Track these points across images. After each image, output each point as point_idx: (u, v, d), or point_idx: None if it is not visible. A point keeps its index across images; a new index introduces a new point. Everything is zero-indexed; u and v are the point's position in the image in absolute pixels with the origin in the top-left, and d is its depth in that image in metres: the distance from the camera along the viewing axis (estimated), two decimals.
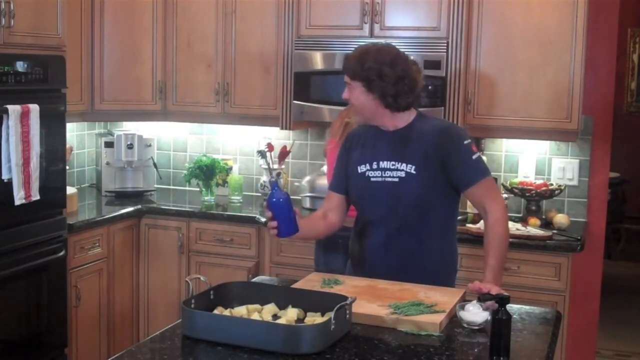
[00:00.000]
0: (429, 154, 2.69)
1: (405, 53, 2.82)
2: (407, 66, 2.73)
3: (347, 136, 2.97)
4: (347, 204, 2.90)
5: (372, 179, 2.75)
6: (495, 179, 4.21)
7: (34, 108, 3.53)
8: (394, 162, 2.72)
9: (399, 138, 2.75)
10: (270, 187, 2.63)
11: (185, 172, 4.68)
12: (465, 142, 2.71)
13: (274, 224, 2.60)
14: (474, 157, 2.70)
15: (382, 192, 2.74)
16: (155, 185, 4.88)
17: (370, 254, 2.80)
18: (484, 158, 4.26)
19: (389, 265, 2.75)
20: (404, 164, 2.70)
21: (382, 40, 4.04)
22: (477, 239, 3.49)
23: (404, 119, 2.76)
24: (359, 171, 2.78)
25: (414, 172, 2.69)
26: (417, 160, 2.69)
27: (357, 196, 2.84)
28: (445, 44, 3.99)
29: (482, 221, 3.85)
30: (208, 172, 4.58)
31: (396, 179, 2.71)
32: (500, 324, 2.15)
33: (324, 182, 4.00)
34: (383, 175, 2.73)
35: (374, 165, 2.75)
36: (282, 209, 2.58)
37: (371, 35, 4.14)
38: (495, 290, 2.38)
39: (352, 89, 2.73)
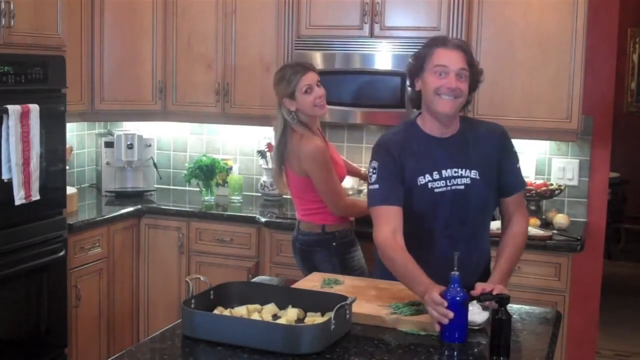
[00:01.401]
0: (490, 157, 2.64)
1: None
2: None
3: (385, 144, 2.67)
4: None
5: (436, 190, 2.60)
6: None
7: (34, 108, 3.53)
8: (456, 169, 2.61)
9: (457, 143, 2.65)
10: (450, 281, 2.28)
11: (185, 172, 4.68)
12: (514, 149, 2.71)
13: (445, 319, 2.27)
14: (518, 165, 2.70)
15: (448, 202, 2.61)
16: (155, 185, 4.88)
17: (435, 266, 2.51)
18: None
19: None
20: (468, 170, 2.62)
21: (383, 41, 4.08)
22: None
23: (457, 121, 2.68)
24: (420, 183, 2.60)
25: (479, 178, 2.62)
26: (479, 165, 2.63)
27: (417, 209, 2.62)
28: None
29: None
30: (208, 172, 4.58)
31: (462, 187, 2.61)
32: (500, 324, 2.15)
33: None
34: (447, 184, 2.61)
35: (435, 175, 2.61)
36: (458, 310, 2.25)
37: (371, 35, 4.14)
38: (498, 289, 2.33)
39: (465, 81, 2.58)
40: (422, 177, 2.60)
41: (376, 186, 2.59)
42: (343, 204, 3.45)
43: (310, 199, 3.48)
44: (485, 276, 2.64)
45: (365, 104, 4.11)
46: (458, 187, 2.61)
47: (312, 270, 3.21)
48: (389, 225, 2.54)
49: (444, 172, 2.61)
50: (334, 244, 3.45)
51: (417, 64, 2.62)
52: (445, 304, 2.24)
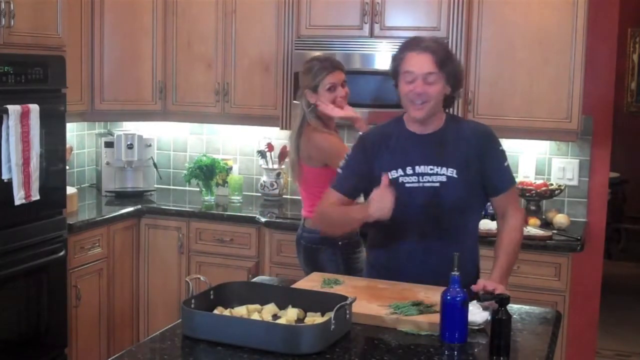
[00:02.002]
0: (470, 157, 2.65)
1: None
2: None
3: (362, 137, 2.84)
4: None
5: (407, 185, 2.64)
6: None
7: (34, 108, 3.53)
8: (432, 167, 2.64)
9: (435, 141, 2.67)
10: (450, 281, 2.27)
11: (185, 172, 4.68)
12: (500, 147, 2.71)
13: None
14: (506, 164, 2.70)
15: (420, 198, 2.64)
16: (155, 185, 4.88)
17: (405, 260, 2.69)
18: None
19: (431, 271, 2.63)
20: (444, 168, 2.64)
21: (383, 41, 4.08)
22: (483, 239, 3.47)
23: (441, 118, 2.70)
24: (391, 177, 2.63)
25: (456, 176, 2.63)
26: (458, 164, 2.64)
27: None
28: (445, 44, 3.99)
29: (486, 220, 3.89)
30: (208, 172, 4.58)
31: (436, 184, 2.63)
32: (500, 324, 2.15)
33: None
34: (420, 180, 2.64)
35: (409, 171, 2.65)
36: (458, 310, 2.24)
37: (371, 35, 4.14)
38: (500, 289, 2.36)
39: (435, 83, 2.60)
40: (394, 171, 2.66)
41: (339, 171, 2.79)
42: None
43: (320, 194, 3.45)
44: (472, 275, 2.65)
45: (365, 104, 4.11)
46: (432, 184, 2.64)
47: (316, 269, 3.21)
48: (325, 202, 2.77)
49: (417, 168, 2.65)
50: (339, 243, 3.42)
51: (394, 68, 2.69)
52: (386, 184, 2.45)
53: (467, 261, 2.65)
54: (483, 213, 4.03)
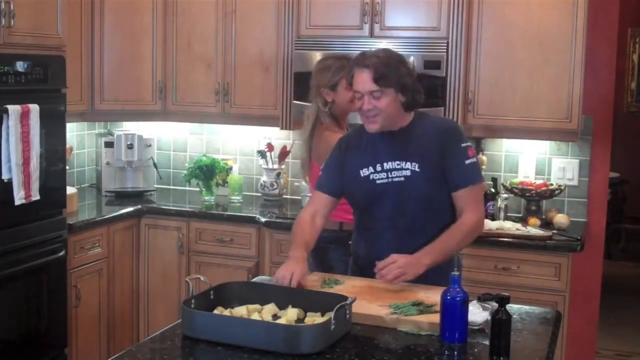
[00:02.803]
0: (431, 152, 2.70)
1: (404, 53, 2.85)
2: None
3: (341, 138, 2.96)
4: (334, 205, 2.90)
5: (378, 182, 2.74)
6: (495, 180, 4.24)
7: (34, 108, 3.53)
8: (398, 162, 2.72)
9: (400, 137, 2.74)
10: (450, 282, 2.26)
11: (185, 172, 4.68)
12: (463, 144, 2.71)
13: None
14: (468, 161, 2.70)
15: (389, 193, 2.73)
16: (155, 185, 4.88)
17: (381, 255, 2.74)
18: (484, 158, 4.27)
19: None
20: (408, 163, 2.71)
21: (383, 41, 4.08)
22: (482, 239, 3.48)
23: (407, 118, 2.76)
24: (362, 175, 2.76)
25: (418, 170, 2.70)
26: (419, 158, 2.70)
27: (361, 200, 2.83)
28: (445, 44, 3.99)
29: (486, 220, 3.88)
30: (208, 172, 4.58)
31: (402, 178, 2.71)
32: (500, 324, 2.15)
33: None
34: (389, 176, 2.73)
35: (378, 167, 2.75)
36: (458, 310, 2.24)
37: (371, 35, 4.14)
38: (398, 260, 2.57)
39: (382, 97, 2.66)
40: (365, 169, 2.76)
41: (320, 173, 2.92)
42: None
43: None
44: (442, 268, 2.60)
45: None
46: (398, 179, 2.72)
47: (324, 268, 3.22)
48: (312, 207, 2.87)
49: (385, 164, 2.74)
50: (349, 242, 3.42)
51: (351, 83, 2.76)
52: (282, 281, 2.50)
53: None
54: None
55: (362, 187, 2.78)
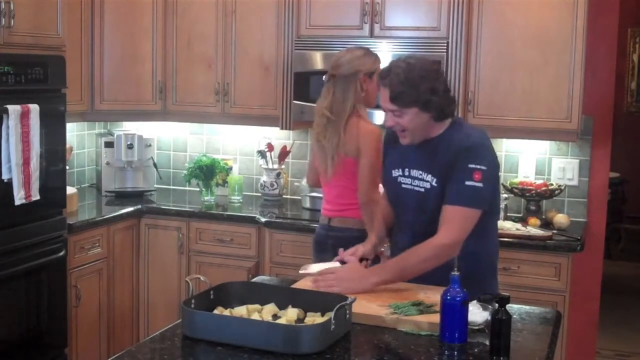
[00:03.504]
0: (447, 168, 2.63)
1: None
2: (442, 73, 2.74)
3: (387, 133, 2.88)
4: None
5: (403, 185, 2.76)
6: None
7: (34, 108, 3.53)
8: (421, 172, 2.70)
9: (428, 148, 2.69)
10: (450, 281, 2.26)
11: (185, 172, 4.68)
12: (472, 165, 2.58)
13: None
14: (469, 183, 2.57)
15: (411, 199, 2.73)
16: (155, 185, 4.88)
17: (397, 253, 2.74)
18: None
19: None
20: (429, 175, 2.67)
21: (383, 41, 4.07)
22: None
23: (441, 127, 2.69)
24: (393, 175, 2.79)
25: (435, 185, 2.65)
26: (438, 173, 2.65)
27: (391, 199, 2.88)
28: (445, 44, 3.99)
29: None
30: (208, 172, 4.58)
31: (422, 189, 2.69)
32: (500, 324, 2.15)
33: None
34: (412, 183, 2.73)
35: (406, 172, 2.75)
36: (458, 310, 2.24)
37: (371, 35, 4.14)
38: (340, 274, 2.64)
39: (403, 115, 2.62)
40: (395, 170, 2.79)
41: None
42: (373, 194, 3.30)
43: (351, 187, 3.38)
44: (467, 279, 2.45)
45: None
46: (419, 188, 2.71)
47: None
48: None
49: (411, 171, 2.74)
50: None
51: None
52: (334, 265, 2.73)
53: (456, 265, 2.62)
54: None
55: (392, 187, 2.82)
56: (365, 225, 3.29)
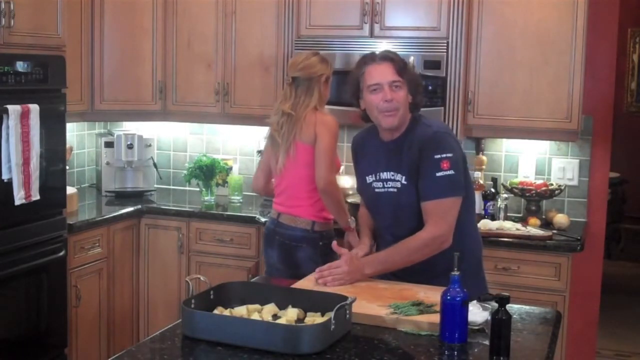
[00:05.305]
0: (414, 163, 2.69)
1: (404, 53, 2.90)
2: None
3: (354, 140, 2.99)
4: None
5: (377, 190, 2.80)
6: (495, 180, 4.24)
7: (34, 108, 3.53)
8: (392, 173, 2.75)
9: (394, 148, 2.76)
10: (450, 281, 2.25)
11: (185, 172, 4.68)
12: (437, 155, 2.61)
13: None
14: (440, 173, 2.61)
15: (386, 202, 2.78)
16: (155, 185, 4.88)
17: None
18: (484, 159, 4.27)
19: (403, 270, 2.73)
20: (399, 174, 2.73)
21: (383, 41, 4.08)
22: (483, 239, 3.48)
23: (406, 122, 2.77)
24: (367, 181, 2.84)
25: (406, 182, 2.71)
26: (407, 171, 2.71)
27: (367, 205, 2.94)
28: (445, 44, 3.99)
29: (486, 220, 3.89)
30: (208, 172, 4.58)
31: (394, 190, 2.74)
32: (500, 324, 2.15)
33: None
34: (385, 186, 2.77)
35: (377, 176, 2.80)
36: (458, 310, 2.23)
37: (371, 35, 4.14)
38: (345, 268, 2.66)
39: (401, 89, 2.71)
40: (369, 176, 2.83)
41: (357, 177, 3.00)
42: (331, 178, 3.46)
43: (307, 187, 3.49)
44: (443, 276, 2.44)
45: None
46: (392, 189, 2.74)
47: (292, 267, 3.34)
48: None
49: (382, 174, 2.78)
50: (320, 243, 3.46)
51: (354, 86, 2.77)
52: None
53: (441, 259, 2.63)
54: (484, 213, 4.06)
55: (368, 193, 2.86)
56: (333, 215, 3.52)
